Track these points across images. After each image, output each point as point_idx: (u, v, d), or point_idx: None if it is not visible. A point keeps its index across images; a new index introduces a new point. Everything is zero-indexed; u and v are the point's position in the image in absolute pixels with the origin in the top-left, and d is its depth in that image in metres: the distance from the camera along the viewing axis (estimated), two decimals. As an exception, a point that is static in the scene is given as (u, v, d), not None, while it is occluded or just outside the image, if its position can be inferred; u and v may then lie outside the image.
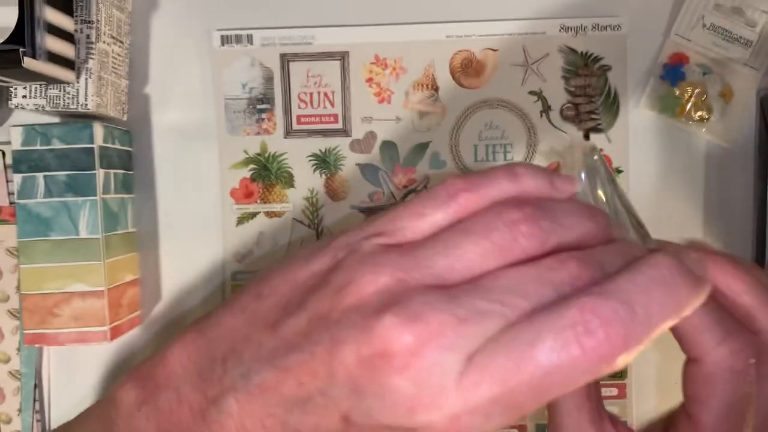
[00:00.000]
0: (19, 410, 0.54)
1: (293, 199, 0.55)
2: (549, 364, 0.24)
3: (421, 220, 0.29)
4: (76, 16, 0.48)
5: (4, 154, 0.54)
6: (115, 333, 0.51)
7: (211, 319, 0.31)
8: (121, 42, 0.52)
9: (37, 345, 0.50)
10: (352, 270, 0.27)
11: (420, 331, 0.25)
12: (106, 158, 0.51)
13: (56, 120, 0.53)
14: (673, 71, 0.53)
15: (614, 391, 0.54)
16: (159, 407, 0.30)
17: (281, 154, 0.55)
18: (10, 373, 0.54)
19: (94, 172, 0.49)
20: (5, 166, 0.54)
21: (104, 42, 0.50)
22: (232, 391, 0.28)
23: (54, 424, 0.55)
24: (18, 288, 0.54)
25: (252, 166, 0.55)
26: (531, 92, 0.54)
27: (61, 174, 0.49)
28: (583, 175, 0.35)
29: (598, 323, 0.23)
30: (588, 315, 0.24)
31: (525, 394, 0.24)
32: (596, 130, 0.54)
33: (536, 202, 0.28)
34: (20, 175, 0.49)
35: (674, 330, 0.33)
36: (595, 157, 0.36)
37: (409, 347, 0.25)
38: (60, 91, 0.49)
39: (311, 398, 0.27)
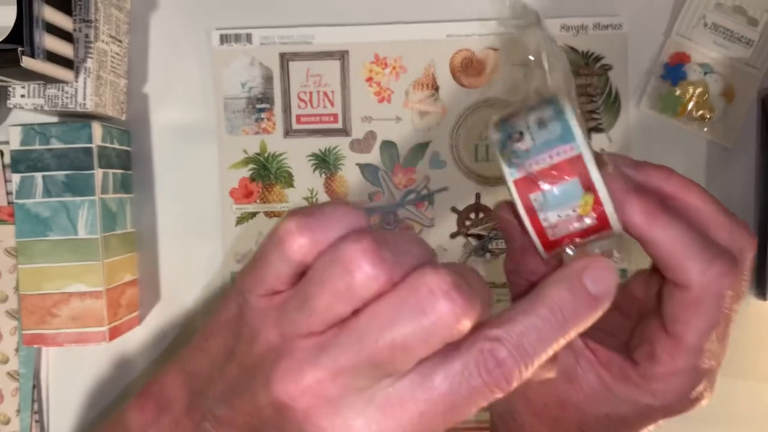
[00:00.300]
0: (18, 411, 0.54)
1: (293, 199, 0.55)
2: (457, 396, 0.27)
3: (276, 270, 0.30)
4: (75, 15, 0.48)
5: (2, 153, 0.54)
6: (114, 333, 0.50)
7: (188, 351, 0.35)
8: (120, 41, 0.52)
9: (35, 345, 0.50)
10: (250, 327, 0.30)
11: (303, 388, 0.27)
12: (105, 158, 0.50)
13: (55, 119, 0.53)
14: (674, 71, 0.52)
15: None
16: (161, 428, 0.34)
17: (281, 154, 0.54)
18: (8, 373, 0.54)
19: (92, 171, 0.49)
20: (3, 166, 0.54)
21: (103, 41, 0.49)
22: (208, 418, 0.32)
23: (53, 425, 0.55)
24: (17, 288, 0.54)
25: (251, 165, 0.54)
26: (531, 92, 0.54)
27: (60, 174, 0.49)
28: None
29: (495, 363, 0.27)
30: (488, 356, 0.27)
31: (435, 420, 0.28)
32: (597, 129, 0.54)
33: (373, 234, 0.29)
34: (19, 174, 0.49)
35: (657, 259, 0.33)
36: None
37: (299, 402, 0.28)
38: (58, 90, 0.48)
39: (262, 428, 0.30)
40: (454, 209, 0.55)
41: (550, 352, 0.29)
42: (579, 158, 0.31)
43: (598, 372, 0.35)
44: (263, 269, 0.30)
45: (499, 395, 0.28)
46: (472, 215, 0.54)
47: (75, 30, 0.48)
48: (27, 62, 0.42)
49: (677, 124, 0.53)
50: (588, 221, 0.31)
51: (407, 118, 0.54)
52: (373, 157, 0.54)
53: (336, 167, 0.54)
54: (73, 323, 0.49)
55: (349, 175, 0.54)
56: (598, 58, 0.53)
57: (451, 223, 0.54)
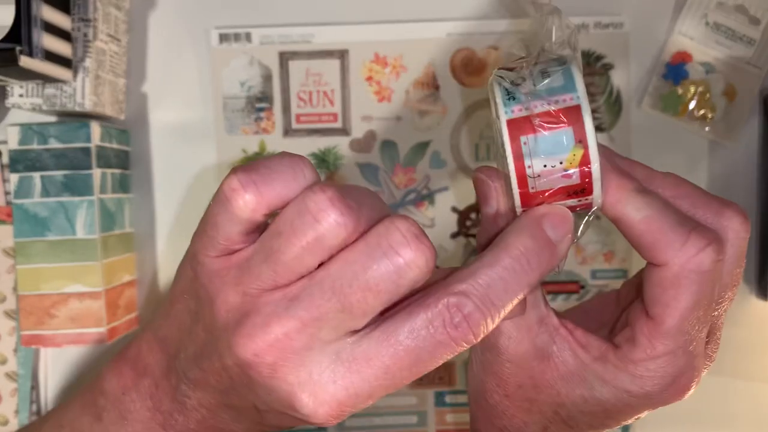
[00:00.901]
0: (16, 411, 0.54)
1: (292, 199, 0.54)
2: (422, 350, 0.28)
3: (226, 230, 0.30)
4: (74, 14, 0.48)
5: (0, 153, 0.54)
6: (113, 334, 0.50)
7: (158, 318, 0.35)
8: (119, 40, 0.52)
9: (34, 346, 0.50)
10: (207, 289, 0.30)
11: (272, 341, 0.28)
12: (104, 158, 0.50)
13: (53, 119, 0.53)
14: (676, 70, 0.52)
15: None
16: (141, 391, 0.35)
17: (280, 154, 0.54)
18: (7, 374, 0.54)
19: (91, 171, 0.49)
20: (2, 166, 0.54)
21: (101, 40, 0.49)
22: (183, 379, 0.33)
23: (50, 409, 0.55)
24: (15, 289, 0.54)
25: (251, 165, 0.54)
26: (532, 91, 0.53)
27: (58, 174, 0.49)
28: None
29: (461, 317, 0.28)
30: (453, 311, 0.28)
31: (400, 374, 0.29)
32: (598, 129, 0.54)
33: (336, 184, 0.29)
34: (17, 174, 0.49)
35: (632, 238, 0.32)
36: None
37: (266, 358, 0.28)
38: (57, 90, 0.48)
39: (231, 389, 0.31)
40: (454, 209, 0.54)
41: (515, 300, 0.29)
42: (577, 109, 0.30)
43: (575, 351, 0.34)
44: (212, 230, 0.30)
45: (466, 347, 0.29)
46: (473, 215, 0.54)
47: (73, 29, 0.48)
48: (25, 61, 0.42)
49: (679, 123, 0.53)
50: (572, 179, 0.31)
51: (407, 118, 0.54)
52: (373, 156, 0.54)
53: (336, 167, 0.54)
54: (72, 324, 0.49)
55: (349, 174, 0.54)
56: (599, 57, 0.53)
57: (451, 223, 0.54)
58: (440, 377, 0.54)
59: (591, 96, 0.53)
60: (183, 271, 0.33)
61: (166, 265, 0.55)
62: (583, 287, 0.54)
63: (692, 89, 0.52)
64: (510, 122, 0.30)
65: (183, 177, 0.55)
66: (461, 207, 0.54)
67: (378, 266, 0.27)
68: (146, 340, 0.35)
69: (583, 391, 0.34)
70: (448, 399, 0.55)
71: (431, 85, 0.54)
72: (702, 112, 0.52)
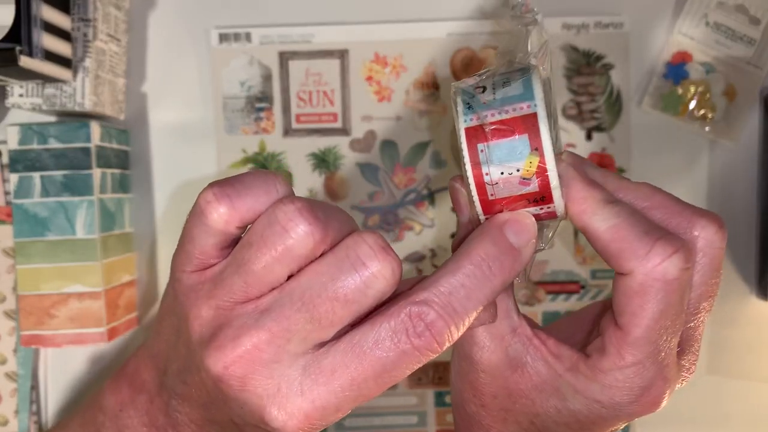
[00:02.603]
0: (16, 411, 0.54)
1: (292, 199, 0.54)
2: (387, 361, 0.28)
3: (201, 243, 0.30)
4: (73, 14, 0.48)
5: (0, 153, 0.54)
6: (113, 334, 0.50)
7: (151, 335, 0.36)
8: (119, 40, 0.52)
9: (33, 346, 0.50)
10: (182, 304, 0.31)
11: (241, 353, 0.29)
12: (104, 157, 0.50)
13: (53, 119, 0.53)
14: (676, 70, 0.52)
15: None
16: (138, 407, 0.35)
17: (280, 154, 0.54)
18: (6, 374, 0.54)
19: (90, 171, 0.49)
20: (2, 166, 0.54)
21: (101, 40, 0.49)
22: (173, 395, 0.33)
23: (51, 425, 0.55)
24: (15, 289, 0.54)
25: (250, 165, 0.54)
26: (532, 91, 0.53)
27: (58, 174, 0.49)
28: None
29: (424, 326, 0.28)
30: (416, 320, 0.28)
31: (366, 385, 0.29)
32: (598, 128, 0.54)
33: (304, 198, 0.29)
34: (17, 174, 0.49)
35: (599, 248, 0.31)
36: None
37: (236, 371, 0.29)
38: (57, 89, 0.48)
39: (210, 404, 0.31)
40: (454, 209, 0.54)
41: (479, 307, 0.29)
42: (533, 116, 0.30)
43: (548, 361, 0.34)
44: (188, 244, 0.31)
45: (433, 356, 0.29)
46: (473, 215, 0.54)
47: (73, 29, 0.48)
48: (25, 61, 0.42)
49: (679, 123, 0.53)
50: (530, 186, 0.30)
51: (407, 118, 0.54)
52: (373, 156, 0.54)
53: (336, 167, 0.54)
54: (72, 324, 0.49)
55: (349, 174, 0.54)
56: (599, 57, 0.53)
57: (451, 223, 0.54)
58: (440, 377, 0.54)
59: (591, 96, 0.53)
60: (167, 288, 0.34)
61: (166, 265, 0.55)
62: (583, 287, 0.54)
63: (692, 89, 0.52)
64: (467, 130, 0.31)
65: (183, 177, 0.55)
66: (461, 207, 0.54)
67: (346, 277, 0.28)
68: (142, 357, 0.36)
69: (557, 402, 0.34)
70: (448, 399, 0.55)
71: (431, 85, 0.54)
72: (702, 112, 0.52)
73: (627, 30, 0.53)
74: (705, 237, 0.32)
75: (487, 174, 0.31)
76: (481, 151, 0.30)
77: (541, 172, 0.30)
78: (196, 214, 0.30)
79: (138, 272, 0.55)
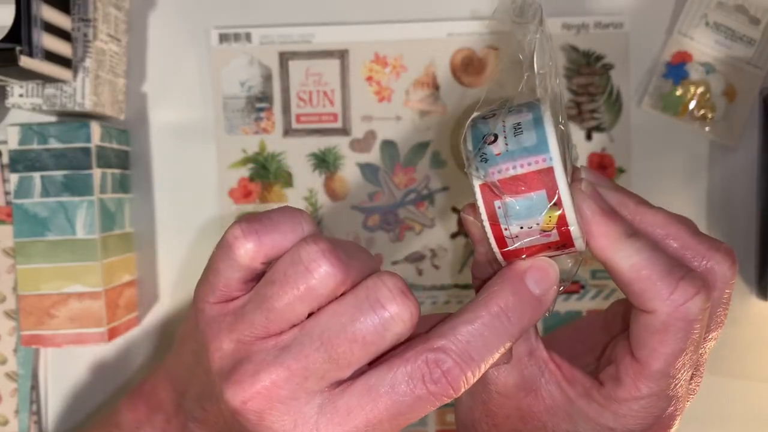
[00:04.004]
0: (16, 411, 0.54)
1: (292, 199, 0.54)
2: (402, 405, 0.29)
3: (226, 276, 0.31)
4: (74, 14, 0.48)
5: (0, 153, 0.54)
6: (113, 334, 0.50)
7: (170, 356, 0.36)
8: (119, 40, 0.52)
9: (34, 346, 0.50)
10: (204, 335, 0.32)
11: (260, 389, 0.29)
12: (104, 158, 0.50)
13: (53, 119, 0.53)
14: (676, 70, 0.52)
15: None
16: (154, 426, 0.36)
17: (280, 154, 0.54)
18: (7, 374, 0.54)
19: (91, 171, 0.49)
20: (2, 166, 0.54)
21: (102, 40, 0.49)
22: (190, 418, 0.34)
23: (51, 426, 0.55)
24: (15, 289, 0.54)
25: (250, 165, 0.54)
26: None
27: (58, 174, 0.49)
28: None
29: (440, 373, 0.29)
30: (432, 366, 0.29)
31: (381, 427, 0.29)
32: (598, 129, 0.54)
33: (328, 237, 0.30)
34: (17, 174, 0.49)
35: (621, 284, 0.32)
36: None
37: (253, 405, 0.29)
38: (57, 90, 0.48)
39: (228, 430, 0.32)
40: (454, 209, 0.54)
41: (496, 355, 0.30)
42: (549, 171, 0.29)
43: (561, 386, 0.34)
44: (213, 276, 0.32)
45: (447, 401, 0.29)
46: (473, 215, 0.54)
47: (73, 29, 0.48)
48: (25, 61, 0.42)
49: (679, 123, 0.53)
50: (551, 237, 0.30)
51: (407, 118, 0.54)
52: (373, 156, 0.54)
53: (336, 167, 0.54)
54: (72, 324, 0.49)
55: (349, 174, 0.54)
56: (599, 57, 0.53)
57: (451, 223, 0.54)
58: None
59: (591, 96, 0.53)
60: (188, 316, 0.34)
61: (166, 265, 0.55)
62: (583, 287, 0.54)
63: (692, 89, 0.52)
64: (482, 187, 0.30)
65: (183, 177, 0.55)
66: (461, 207, 0.54)
67: (365, 319, 0.29)
68: (160, 377, 0.37)
69: (568, 426, 0.34)
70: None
71: (431, 85, 0.54)
72: (702, 112, 0.52)
73: (627, 30, 0.53)
74: (721, 273, 0.32)
75: (506, 229, 0.30)
76: (498, 207, 0.30)
77: (562, 225, 0.30)
78: (223, 248, 0.31)
79: (138, 272, 0.55)
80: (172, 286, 0.55)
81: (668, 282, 0.30)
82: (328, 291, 0.29)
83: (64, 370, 0.55)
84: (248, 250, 0.30)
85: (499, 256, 0.31)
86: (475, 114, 0.32)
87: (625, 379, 0.33)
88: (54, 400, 0.55)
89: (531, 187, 0.29)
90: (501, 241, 0.31)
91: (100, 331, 0.49)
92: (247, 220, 0.30)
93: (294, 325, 0.30)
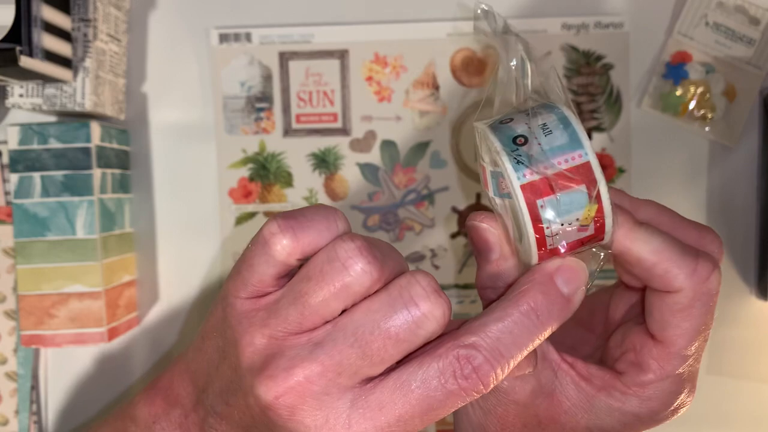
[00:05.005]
0: (16, 411, 0.54)
1: (292, 199, 0.54)
2: (434, 400, 0.29)
3: (260, 272, 0.31)
4: (74, 14, 0.48)
5: (0, 153, 0.54)
6: (113, 334, 0.50)
7: (190, 350, 0.36)
8: (119, 40, 0.52)
9: (34, 346, 0.50)
10: (234, 329, 0.32)
11: (293, 384, 0.29)
12: (104, 158, 0.50)
13: (53, 119, 0.53)
14: (676, 70, 0.52)
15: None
16: (171, 420, 0.36)
17: (280, 154, 0.54)
18: (7, 374, 0.54)
19: (91, 171, 0.49)
20: (2, 166, 0.54)
21: (102, 40, 0.49)
22: (211, 413, 0.34)
23: (51, 426, 0.55)
24: (15, 289, 0.54)
25: (250, 165, 0.54)
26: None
27: (58, 174, 0.49)
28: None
29: (471, 369, 0.29)
30: (463, 362, 0.29)
31: (412, 422, 0.30)
32: (598, 129, 0.54)
33: (363, 236, 0.30)
34: (17, 174, 0.49)
35: (642, 271, 0.33)
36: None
37: (286, 400, 0.29)
38: (57, 90, 0.48)
39: (252, 426, 0.32)
40: (454, 209, 0.54)
41: (525, 352, 0.30)
42: (587, 166, 0.30)
43: (578, 385, 0.35)
44: (246, 272, 0.31)
45: (477, 396, 0.30)
46: (473, 215, 0.54)
47: (73, 29, 0.48)
48: (25, 62, 0.42)
49: (679, 123, 0.53)
50: (587, 231, 0.31)
51: (407, 118, 0.54)
52: (373, 156, 0.54)
53: (336, 167, 0.54)
54: (72, 324, 0.49)
55: (349, 174, 0.54)
56: (599, 57, 0.53)
57: (451, 223, 0.54)
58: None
59: (591, 96, 0.53)
60: (214, 309, 0.34)
61: (166, 265, 0.55)
62: (583, 287, 0.54)
63: (692, 89, 0.52)
64: (524, 187, 0.30)
65: (183, 177, 0.55)
66: (461, 207, 0.54)
67: (398, 316, 0.29)
68: (178, 372, 0.37)
69: (587, 422, 0.35)
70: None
71: (431, 85, 0.54)
72: (702, 112, 0.52)
73: (627, 30, 0.53)
74: (714, 251, 0.34)
75: (548, 228, 0.31)
76: (541, 206, 0.30)
77: (599, 217, 0.31)
78: (259, 244, 0.31)
79: (138, 272, 0.55)
80: (172, 286, 0.55)
81: (689, 260, 0.32)
82: (363, 288, 0.29)
83: (64, 370, 0.55)
84: (285, 246, 0.30)
85: (535, 258, 0.31)
86: (485, 121, 0.32)
87: (650, 361, 0.34)
88: (54, 400, 0.55)
89: (573, 183, 0.30)
90: (541, 241, 0.31)
91: (100, 331, 0.49)
92: (283, 216, 0.31)
93: (327, 322, 0.30)
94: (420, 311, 0.29)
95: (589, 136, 0.53)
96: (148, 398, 0.38)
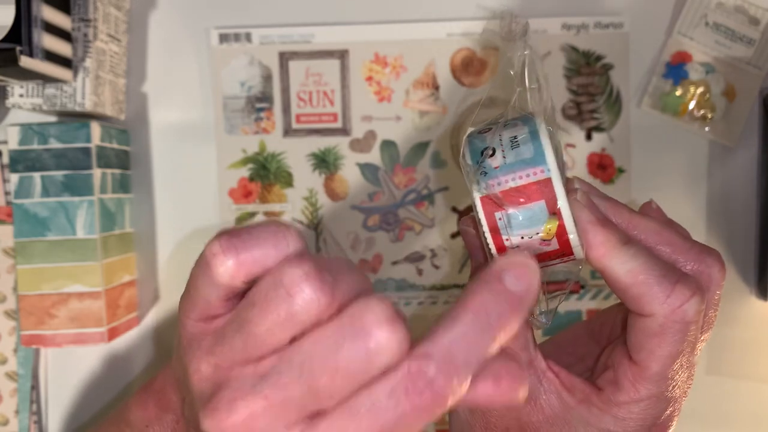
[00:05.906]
0: (17, 411, 0.54)
1: (292, 199, 0.54)
2: (386, 424, 0.26)
3: (205, 294, 0.29)
4: (74, 14, 0.48)
5: (0, 153, 0.54)
6: (113, 334, 0.50)
7: (174, 360, 0.35)
8: (119, 40, 0.52)
9: (34, 346, 0.50)
10: (186, 353, 0.30)
11: (235, 421, 0.27)
12: (104, 158, 0.50)
13: (53, 119, 0.53)
14: (676, 70, 0.52)
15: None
16: (164, 425, 0.36)
17: (280, 154, 0.54)
18: (7, 374, 0.54)
19: (91, 171, 0.49)
20: (2, 166, 0.54)
21: (102, 41, 0.49)
22: (191, 425, 0.33)
23: (51, 426, 0.55)
24: (15, 289, 0.54)
25: (250, 165, 0.54)
26: (532, 91, 0.53)
27: (58, 174, 0.49)
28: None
29: (424, 383, 0.26)
30: (415, 376, 0.26)
31: None
32: (598, 129, 0.54)
33: (314, 258, 0.28)
34: (17, 174, 0.49)
35: (618, 290, 0.32)
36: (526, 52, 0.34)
37: None
38: (57, 90, 0.48)
39: None
40: (454, 209, 0.54)
41: (482, 360, 0.27)
42: (548, 182, 0.30)
43: (561, 394, 0.34)
44: (194, 293, 0.30)
45: (438, 413, 0.27)
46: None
47: (74, 29, 0.48)
48: (25, 62, 0.42)
49: (678, 123, 0.53)
50: (551, 246, 0.31)
51: (407, 118, 0.54)
52: (373, 156, 0.54)
53: (336, 167, 0.54)
54: (72, 324, 0.49)
55: (349, 174, 0.54)
56: (599, 57, 0.53)
57: (451, 223, 0.54)
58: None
59: (591, 96, 0.53)
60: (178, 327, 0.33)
61: (166, 265, 0.55)
62: (583, 287, 0.54)
63: (692, 89, 0.52)
64: (483, 199, 0.31)
65: (183, 177, 0.55)
66: (461, 207, 0.54)
67: (349, 347, 0.26)
68: (168, 377, 0.36)
69: None
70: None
71: (431, 85, 0.54)
72: (702, 112, 0.52)
73: (627, 30, 0.53)
74: (713, 276, 0.33)
75: (507, 239, 0.31)
76: (499, 219, 0.31)
77: (561, 234, 0.31)
78: (201, 266, 0.29)
79: (138, 272, 0.55)
80: (172, 286, 0.55)
81: (665, 286, 0.31)
82: (311, 317, 0.27)
83: (64, 370, 0.55)
84: (228, 268, 0.28)
85: None
86: (470, 129, 0.33)
87: (624, 382, 0.33)
88: (54, 399, 0.55)
89: (531, 198, 0.30)
90: (502, 251, 0.31)
91: (100, 331, 0.49)
92: (227, 234, 0.28)
93: (276, 351, 0.28)
94: (373, 342, 0.26)
95: (589, 136, 0.53)
96: (141, 402, 0.37)
